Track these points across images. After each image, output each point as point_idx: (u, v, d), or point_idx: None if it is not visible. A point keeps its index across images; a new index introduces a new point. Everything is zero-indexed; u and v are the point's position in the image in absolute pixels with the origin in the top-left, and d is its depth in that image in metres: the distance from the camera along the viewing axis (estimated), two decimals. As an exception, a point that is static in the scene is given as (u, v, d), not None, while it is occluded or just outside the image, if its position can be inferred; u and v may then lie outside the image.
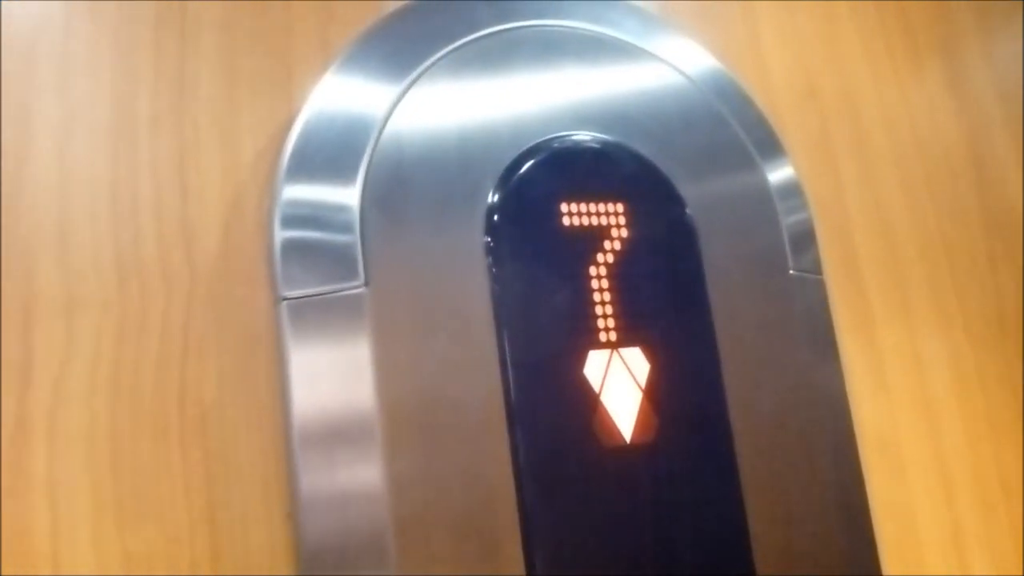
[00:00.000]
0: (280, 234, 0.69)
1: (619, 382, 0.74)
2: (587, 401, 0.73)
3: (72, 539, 0.61)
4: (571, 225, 0.77)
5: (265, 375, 0.68)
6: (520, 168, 0.76)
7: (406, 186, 0.72)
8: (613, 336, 0.75)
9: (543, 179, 0.77)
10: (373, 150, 0.72)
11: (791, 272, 0.87)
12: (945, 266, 1.04)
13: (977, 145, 1.12)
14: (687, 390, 0.78)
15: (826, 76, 1.05)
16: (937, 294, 1.02)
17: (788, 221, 0.89)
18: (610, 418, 0.73)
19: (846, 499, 0.83)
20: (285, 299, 0.67)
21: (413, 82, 0.75)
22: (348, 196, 0.70)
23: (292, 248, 0.69)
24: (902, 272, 1.01)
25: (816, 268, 0.90)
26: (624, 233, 0.78)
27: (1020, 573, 0.95)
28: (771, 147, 0.91)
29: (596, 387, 0.73)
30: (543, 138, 0.78)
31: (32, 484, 0.61)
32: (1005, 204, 1.10)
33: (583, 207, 0.77)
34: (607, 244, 0.77)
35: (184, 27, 0.74)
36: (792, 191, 0.91)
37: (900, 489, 0.92)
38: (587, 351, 0.74)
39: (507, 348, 0.71)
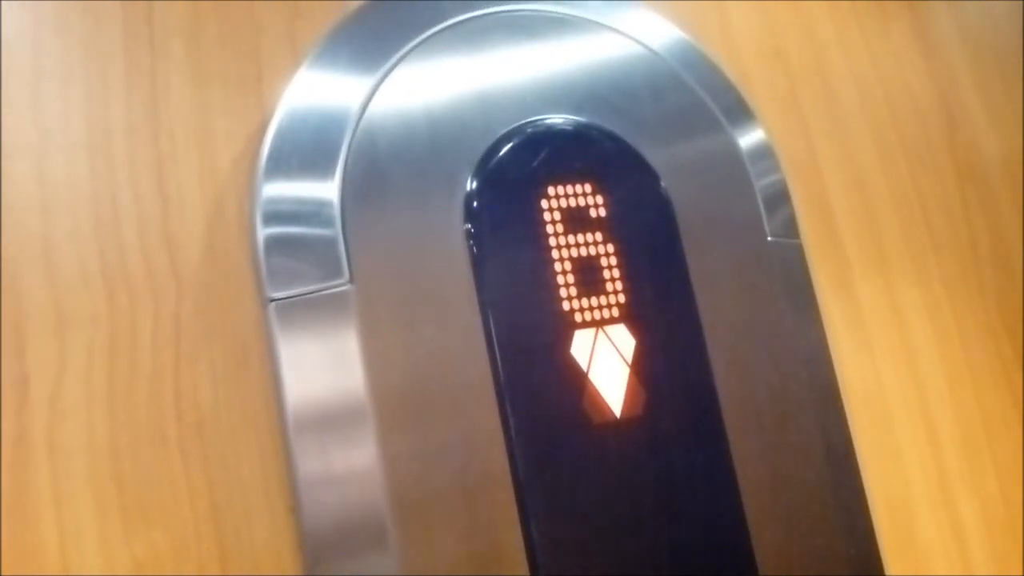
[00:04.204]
0: (263, 234, 0.69)
1: (606, 359, 0.76)
2: (575, 380, 0.74)
3: (80, 550, 0.62)
4: (549, 207, 0.78)
5: (258, 377, 0.69)
6: (496, 154, 0.77)
7: (384, 178, 0.73)
8: (598, 314, 0.76)
9: (519, 164, 0.78)
10: (350, 145, 0.73)
11: (768, 238, 0.88)
12: (920, 218, 1.06)
13: (946, 96, 1.13)
14: (673, 363, 0.79)
15: (792, 35, 1.05)
16: (913, 246, 1.04)
17: (761, 184, 0.89)
18: (599, 395, 0.74)
19: (835, 457, 0.85)
20: (272, 300, 0.68)
21: (386, 74, 0.76)
22: (328, 192, 0.71)
23: (276, 248, 0.69)
24: (878, 227, 1.02)
25: (792, 230, 0.91)
26: (601, 212, 0.79)
27: (1005, 512, 0.98)
28: (740, 112, 0.92)
29: (584, 366, 0.75)
30: (516, 123, 0.79)
31: (37, 500, 0.62)
32: (976, 154, 1.12)
33: (559, 189, 0.78)
34: (585, 224, 0.78)
35: (152, 36, 0.74)
36: (764, 154, 0.92)
37: (887, 440, 0.94)
38: (573, 331, 0.75)
39: (493, 333, 0.72)
